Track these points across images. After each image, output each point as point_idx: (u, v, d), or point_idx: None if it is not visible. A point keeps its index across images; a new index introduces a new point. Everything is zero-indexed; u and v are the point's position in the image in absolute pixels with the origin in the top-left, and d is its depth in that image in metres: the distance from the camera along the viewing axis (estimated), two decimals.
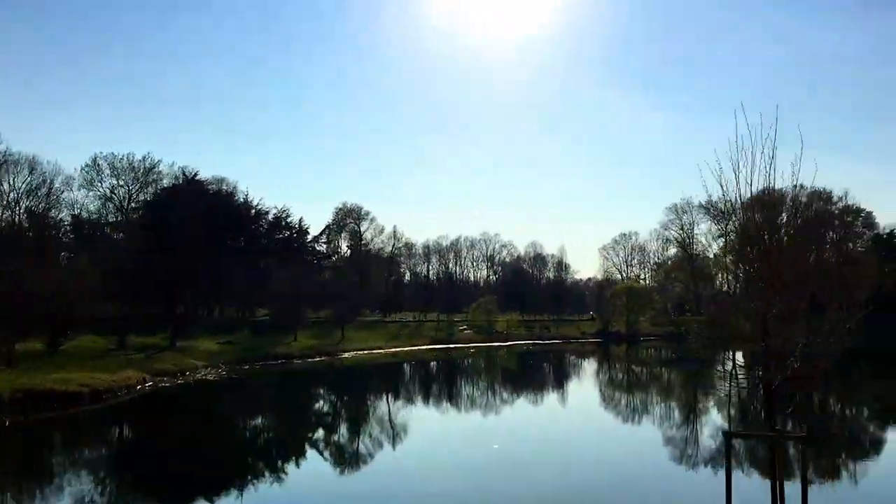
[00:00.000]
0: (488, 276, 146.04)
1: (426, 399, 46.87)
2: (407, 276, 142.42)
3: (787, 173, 19.18)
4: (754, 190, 21.53)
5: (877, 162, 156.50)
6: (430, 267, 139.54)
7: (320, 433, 33.92)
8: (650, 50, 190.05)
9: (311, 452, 29.13)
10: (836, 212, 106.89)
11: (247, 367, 59.36)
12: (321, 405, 45.58)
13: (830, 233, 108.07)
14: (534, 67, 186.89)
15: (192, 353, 59.55)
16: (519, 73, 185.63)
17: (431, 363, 74.26)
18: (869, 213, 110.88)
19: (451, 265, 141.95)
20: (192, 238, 73.82)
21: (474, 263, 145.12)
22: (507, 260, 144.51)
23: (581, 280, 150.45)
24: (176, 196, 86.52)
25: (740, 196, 16.98)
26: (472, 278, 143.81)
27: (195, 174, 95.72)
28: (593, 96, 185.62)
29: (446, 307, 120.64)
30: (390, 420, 36.87)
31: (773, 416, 14.78)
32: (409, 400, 46.28)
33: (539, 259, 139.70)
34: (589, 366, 74.95)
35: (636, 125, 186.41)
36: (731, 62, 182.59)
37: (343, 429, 35.30)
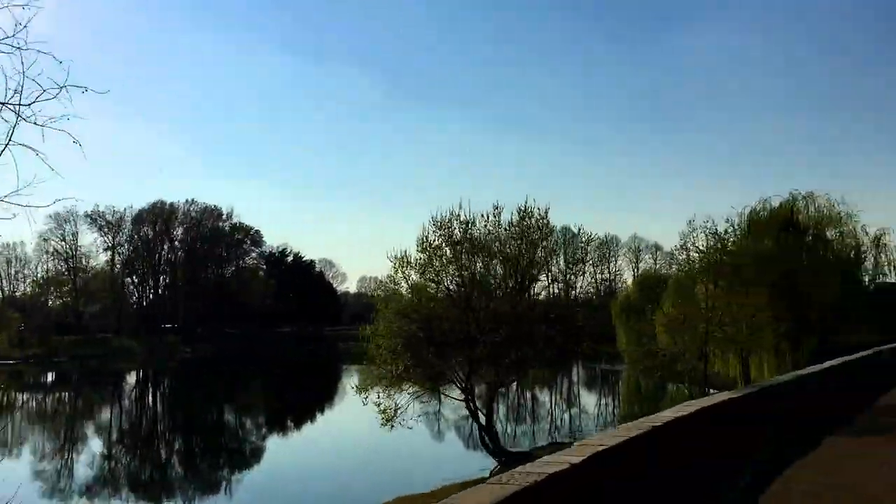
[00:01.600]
0: None
1: None
2: None
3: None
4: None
5: (259, 177, 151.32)
6: None
7: None
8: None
9: None
10: (228, 229, 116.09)
11: None
12: None
13: (223, 250, 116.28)
14: None
15: None
16: None
17: None
18: (258, 232, 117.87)
19: None
20: None
21: None
22: None
23: None
24: None
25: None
26: None
27: None
28: None
29: None
30: None
31: None
32: None
33: None
34: None
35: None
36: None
37: None
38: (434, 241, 18.97)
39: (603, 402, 50.70)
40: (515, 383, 42.12)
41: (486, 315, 19.12)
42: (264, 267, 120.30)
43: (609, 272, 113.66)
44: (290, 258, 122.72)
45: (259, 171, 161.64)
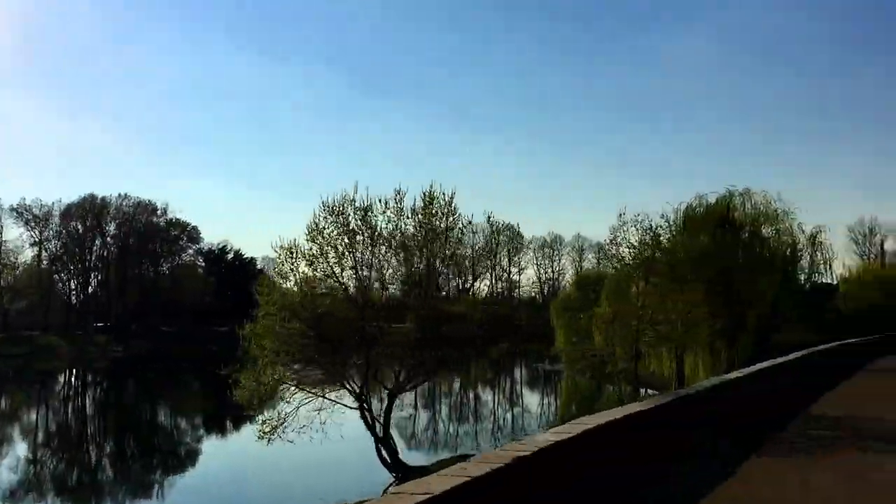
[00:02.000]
0: None
1: None
2: None
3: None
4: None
5: (199, 176, 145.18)
6: None
7: None
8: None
9: None
10: (163, 225, 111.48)
11: None
12: None
13: (158, 246, 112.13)
14: None
15: None
16: None
17: None
18: (195, 228, 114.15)
19: None
20: None
21: None
22: None
23: None
24: None
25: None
26: None
27: None
28: None
29: None
30: None
31: None
32: None
33: None
34: None
35: None
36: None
37: None
38: (325, 228, 17.01)
39: (545, 401, 50.10)
40: (458, 383, 40.85)
41: (386, 313, 17.38)
42: (203, 264, 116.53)
43: (553, 271, 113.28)
44: (230, 255, 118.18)
45: (206, 169, 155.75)
